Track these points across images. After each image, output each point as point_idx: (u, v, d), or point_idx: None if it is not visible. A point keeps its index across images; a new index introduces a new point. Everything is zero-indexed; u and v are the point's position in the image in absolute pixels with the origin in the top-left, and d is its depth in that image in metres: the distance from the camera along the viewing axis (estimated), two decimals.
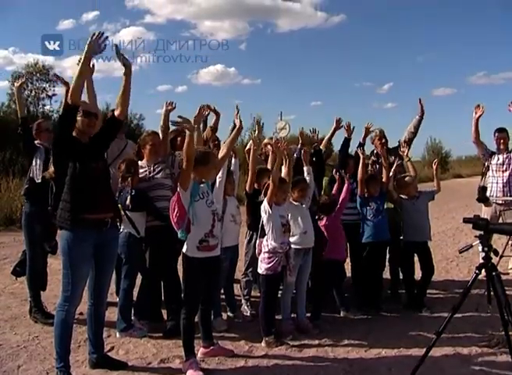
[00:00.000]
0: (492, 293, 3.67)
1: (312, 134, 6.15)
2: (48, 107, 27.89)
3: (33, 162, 5.28)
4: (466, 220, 3.90)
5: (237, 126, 4.82)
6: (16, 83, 5.68)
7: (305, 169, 5.40)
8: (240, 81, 49.37)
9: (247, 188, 5.44)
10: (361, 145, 6.33)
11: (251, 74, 53.29)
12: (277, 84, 51.62)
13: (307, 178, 5.33)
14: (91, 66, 4.15)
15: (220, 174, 4.53)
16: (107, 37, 3.81)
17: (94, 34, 3.77)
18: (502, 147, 7.00)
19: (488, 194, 7.04)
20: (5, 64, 39.08)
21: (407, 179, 5.98)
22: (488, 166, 7.13)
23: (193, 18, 52.29)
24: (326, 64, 55.84)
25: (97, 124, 4.07)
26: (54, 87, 27.45)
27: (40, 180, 5.13)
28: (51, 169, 4.39)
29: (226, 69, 48.51)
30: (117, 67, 3.88)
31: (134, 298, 5.09)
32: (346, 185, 5.53)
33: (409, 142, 6.65)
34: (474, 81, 56.51)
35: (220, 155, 4.48)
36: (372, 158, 6.62)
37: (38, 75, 27.86)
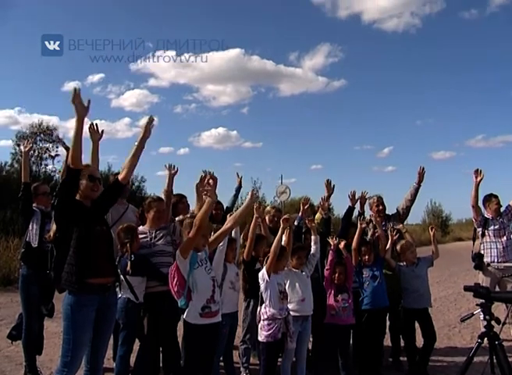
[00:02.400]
0: (495, 361, 3.63)
1: (322, 202, 6.20)
2: (50, 167, 28.11)
3: (30, 226, 5.28)
4: (467, 289, 3.91)
5: (247, 203, 4.58)
6: (23, 148, 5.60)
7: (313, 238, 5.45)
8: (241, 144, 50.02)
9: (245, 256, 5.46)
10: (361, 214, 6.37)
11: (253, 137, 54.11)
12: (278, 147, 52.38)
13: (314, 247, 5.38)
14: (100, 131, 4.40)
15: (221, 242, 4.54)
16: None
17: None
18: (497, 212, 7.07)
19: (487, 260, 7.03)
20: (11, 123, 39.72)
21: (404, 244, 6.00)
22: (483, 232, 7.14)
23: (196, 82, 53.50)
24: (327, 128, 56.76)
25: (100, 188, 4.11)
26: (57, 147, 27.77)
27: (36, 245, 5.13)
28: (52, 231, 4.39)
29: (228, 132, 49.20)
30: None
31: (131, 364, 5.00)
32: (331, 248, 5.53)
33: (406, 210, 6.74)
34: (473, 144, 57.12)
35: (225, 226, 4.49)
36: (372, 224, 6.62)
37: (42, 135, 28.24)
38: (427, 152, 51.77)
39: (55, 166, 27.27)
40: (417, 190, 6.73)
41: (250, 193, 4.54)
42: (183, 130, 53.17)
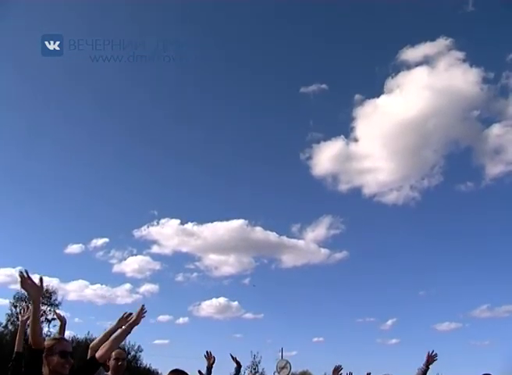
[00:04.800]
0: None
1: None
2: (45, 330, 27.45)
3: None
4: None
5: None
6: (21, 316, 5.47)
7: None
8: (242, 315, 49.32)
9: None
10: None
11: (254, 308, 53.31)
12: (279, 319, 51.52)
13: None
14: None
15: None
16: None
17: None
18: None
19: None
20: (10, 282, 39.46)
21: None
22: None
23: (199, 251, 54.40)
24: (329, 300, 56.35)
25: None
26: (54, 311, 27.43)
27: None
28: None
29: (229, 303, 48.73)
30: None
31: None
32: None
33: None
34: (477, 315, 55.96)
35: None
36: None
37: (40, 298, 27.96)
38: (431, 324, 50.82)
39: (51, 329, 26.73)
40: (425, 372, 6.52)
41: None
42: (183, 299, 52.84)
